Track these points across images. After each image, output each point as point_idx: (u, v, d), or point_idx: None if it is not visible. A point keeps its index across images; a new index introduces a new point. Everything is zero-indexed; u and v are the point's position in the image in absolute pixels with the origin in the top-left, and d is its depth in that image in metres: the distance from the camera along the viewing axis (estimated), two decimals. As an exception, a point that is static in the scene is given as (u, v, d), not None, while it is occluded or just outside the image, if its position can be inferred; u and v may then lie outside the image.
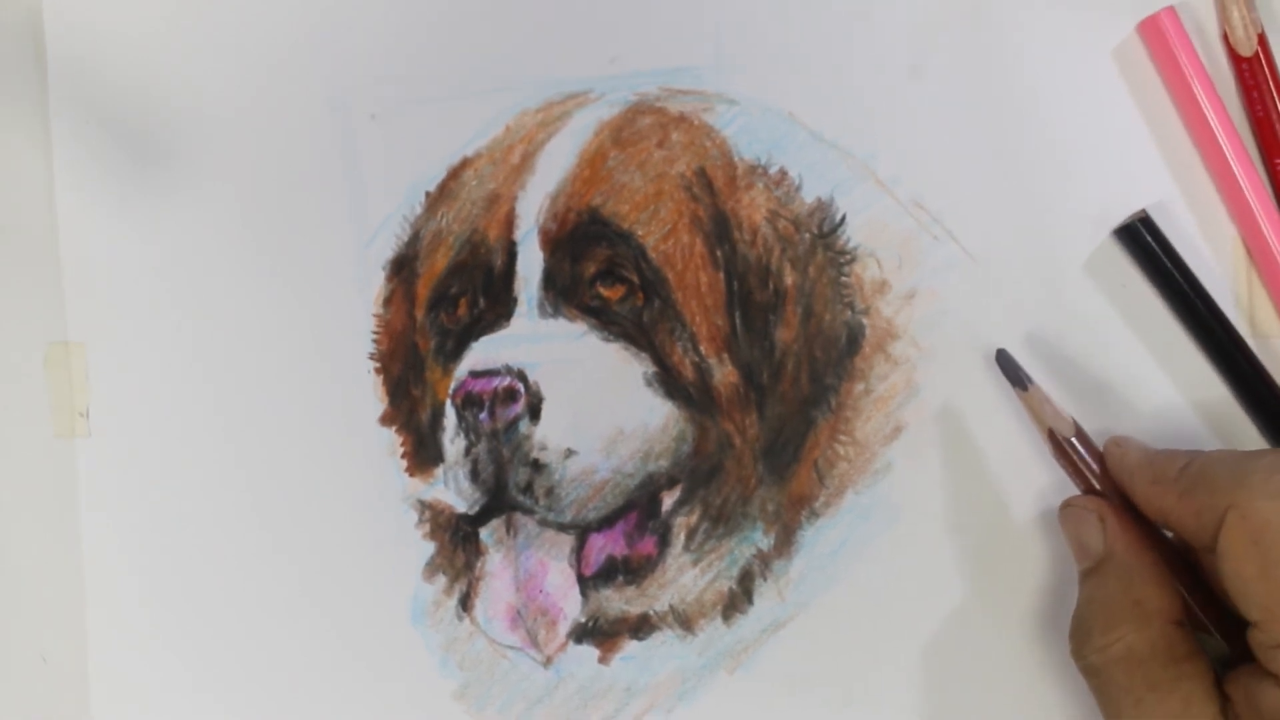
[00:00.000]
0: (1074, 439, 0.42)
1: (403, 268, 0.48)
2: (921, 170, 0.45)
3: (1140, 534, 0.40)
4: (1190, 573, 0.40)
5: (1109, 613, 0.39)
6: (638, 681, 0.46)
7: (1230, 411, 0.44)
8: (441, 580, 0.47)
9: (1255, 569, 0.36)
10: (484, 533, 0.47)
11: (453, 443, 0.45)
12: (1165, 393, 0.44)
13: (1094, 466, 0.41)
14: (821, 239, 0.45)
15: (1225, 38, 0.44)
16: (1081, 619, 0.40)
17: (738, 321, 0.45)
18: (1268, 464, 0.37)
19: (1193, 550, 0.40)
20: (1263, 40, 0.43)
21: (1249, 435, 0.44)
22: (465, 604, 0.47)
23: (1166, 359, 0.44)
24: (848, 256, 0.45)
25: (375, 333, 0.48)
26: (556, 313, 0.45)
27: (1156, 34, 0.44)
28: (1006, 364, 0.43)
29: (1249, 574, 0.36)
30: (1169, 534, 0.41)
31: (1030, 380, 0.42)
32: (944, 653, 0.45)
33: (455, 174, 0.47)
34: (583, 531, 0.46)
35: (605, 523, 0.45)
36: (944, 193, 0.45)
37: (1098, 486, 0.41)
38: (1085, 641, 0.39)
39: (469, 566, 0.47)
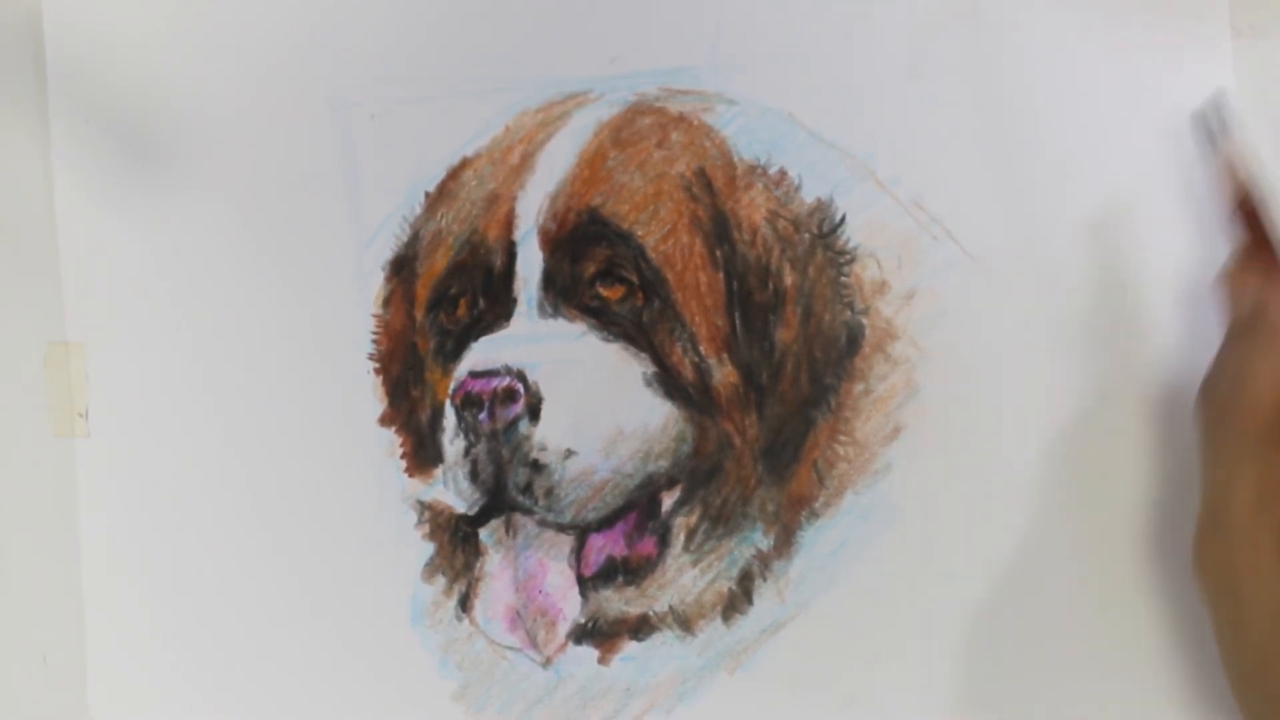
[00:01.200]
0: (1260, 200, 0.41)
1: (402, 268, 0.48)
2: (921, 170, 0.45)
3: None
4: None
5: (1248, 368, 0.39)
6: (637, 682, 0.46)
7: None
8: (441, 581, 0.47)
9: None
10: (483, 533, 0.47)
11: (452, 443, 0.45)
12: (1165, 392, 0.44)
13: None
14: (821, 239, 0.45)
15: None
16: (1217, 373, 0.40)
17: (737, 322, 0.45)
18: None
19: None
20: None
21: (1249, 435, 0.44)
22: (465, 604, 0.47)
23: (1167, 359, 0.44)
24: (847, 257, 0.45)
25: (375, 333, 0.48)
26: (556, 313, 0.45)
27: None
28: (1217, 111, 0.41)
29: None
30: None
31: (1229, 130, 0.41)
32: (943, 652, 0.45)
33: (455, 174, 0.47)
34: (582, 532, 0.46)
35: (605, 523, 0.45)
36: (943, 193, 0.45)
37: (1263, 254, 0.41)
38: (1213, 391, 0.40)
39: (468, 567, 0.47)
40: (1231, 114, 0.41)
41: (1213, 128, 0.42)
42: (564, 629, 0.46)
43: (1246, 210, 0.42)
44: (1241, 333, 0.40)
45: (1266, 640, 0.37)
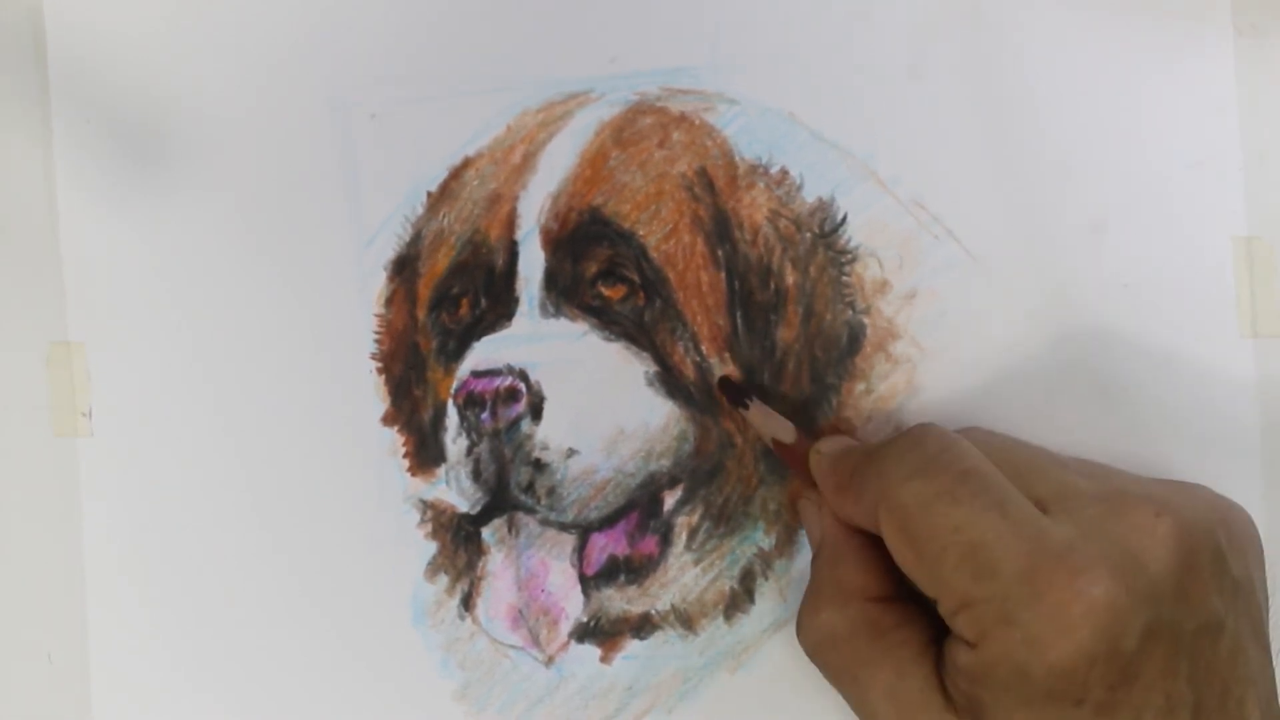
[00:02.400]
0: (793, 445, 0.43)
1: (404, 268, 0.48)
2: (922, 170, 0.45)
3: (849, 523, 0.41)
4: None
5: (816, 596, 0.40)
6: (639, 681, 0.46)
7: (1230, 413, 0.44)
8: (443, 580, 0.47)
9: (909, 554, 0.37)
10: (486, 532, 0.47)
11: (454, 442, 0.45)
12: (1165, 394, 0.44)
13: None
14: (822, 239, 0.45)
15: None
16: (800, 606, 0.41)
17: (739, 321, 0.45)
18: (896, 449, 0.38)
19: None
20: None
21: (1249, 435, 0.44)
22: (467, 604, 0.47)
23: (1167, 360, 0.44)
24: (848, 256, 0.45)
25: (377, 333, 0.48)
26: (558, 313, 0.45)
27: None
28: (729, 388, 0.44)
29: (907, 560, 0.37)
30: None
31: (751, 398, 0.44)
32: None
33: (456, 174, 0.47)
34: (584, 531, 0.46)
35: (607, 522, 0.45)
36: (944, 192, 0.45)
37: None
38: (798, 627, 0.41)
39: (471, 566, 0.47)
40: (740, 387, 0.44)
41: (732, 398, 0.44)
42: (566, 628, 0.46)
43: (787, 457, 0.44)
44: (812, 564, 0.42)
45: None
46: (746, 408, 0.44)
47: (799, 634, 0.41)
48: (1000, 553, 0.35)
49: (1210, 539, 0.36)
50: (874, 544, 0.40)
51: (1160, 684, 0.34)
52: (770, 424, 0.44)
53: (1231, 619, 0.36)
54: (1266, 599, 0.39)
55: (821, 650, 0.40)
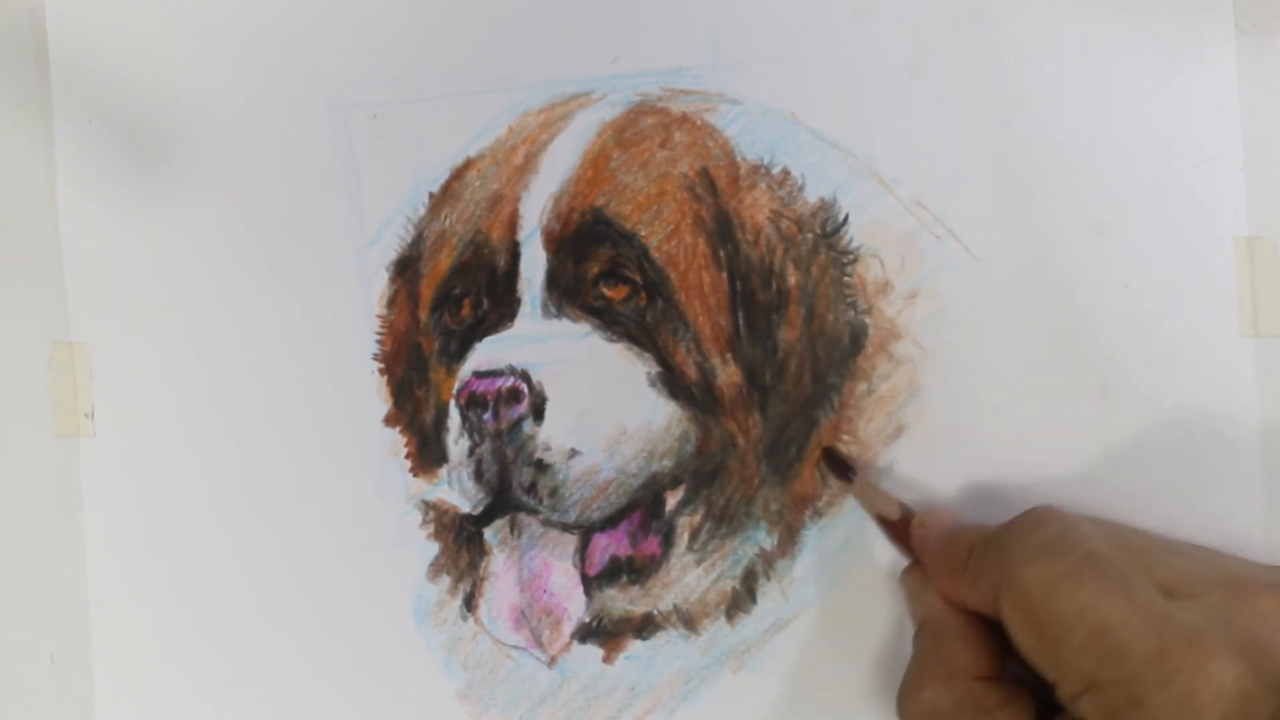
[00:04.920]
0: (897, 521, 0.43)
1: (406, 268, 0.48)
2: (923, 170, 0.45)
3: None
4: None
5: (919, 673, 0.40)
6: (641, 681, 0.46)
7: (1229, 412, 0.44)
8: (445, 581, 0.47)
9: (1032, 636, 0.37)
10: (488, 533, 0.47)
11: (457, 443, 0.45)
12: (1164, 393, 0.44)
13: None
14: (824, 239, 0.45)
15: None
16: (901, 682, 0.41)
17: (740, 322, 0.45)
18: (1016, 531, 0.39)
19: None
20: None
21: (1249, 435, 0.44)
22: (469, 604, 0.47)
23: (1167, 360, 0.44)
24: (850, 256, 0.45)
25: (379, 334, 0.48)
26: (560, 313, 0.45)
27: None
28: (833, 461, 0.45)
29: (1029, 642, 0.37)
30: None
31: (854, 470, 0.44)
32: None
33: (458, 174, 0.47)
34: (586, 531, 0.46)
35: (609, 523, 0.45)
36: (945, 192, 0.45)
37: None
38: (900, 703, 0.41)
39: (473, 567, 0.47)
40: (845, 459, 0.45)
41: (838, 472, 0.45)
42: (568, 628, 0.46)
43: (892, 533, 0.44)
44: (915, 640, 0.42)
45: None
46: (850, 481, 0.44)
47: (900, 712, 0.41)
48: (1128, 636, 0.35)
49: None
50: (979, 623, 0.40)
51: None
52: (875, 500, 0.44)
53: None
54: None
55: None
